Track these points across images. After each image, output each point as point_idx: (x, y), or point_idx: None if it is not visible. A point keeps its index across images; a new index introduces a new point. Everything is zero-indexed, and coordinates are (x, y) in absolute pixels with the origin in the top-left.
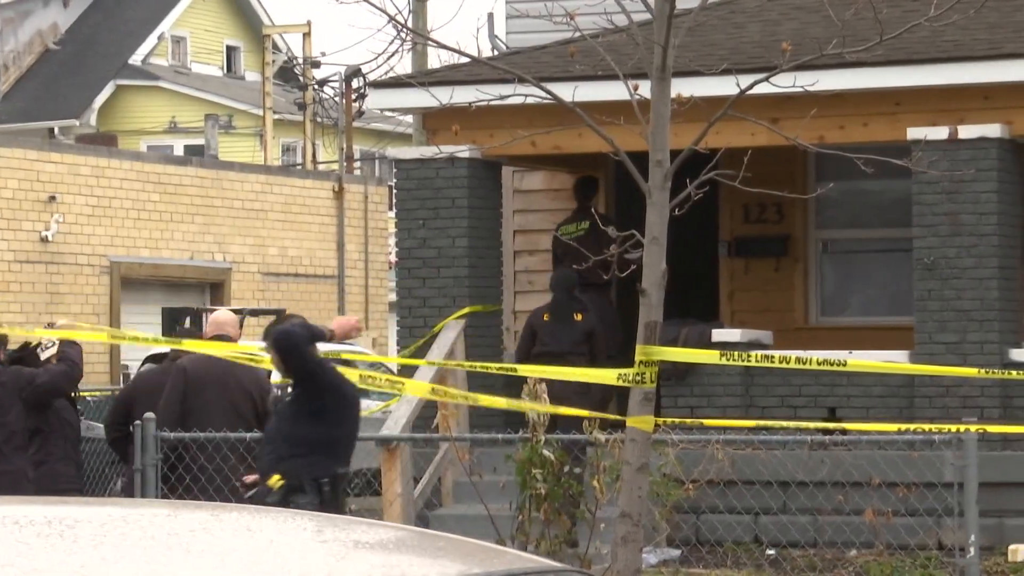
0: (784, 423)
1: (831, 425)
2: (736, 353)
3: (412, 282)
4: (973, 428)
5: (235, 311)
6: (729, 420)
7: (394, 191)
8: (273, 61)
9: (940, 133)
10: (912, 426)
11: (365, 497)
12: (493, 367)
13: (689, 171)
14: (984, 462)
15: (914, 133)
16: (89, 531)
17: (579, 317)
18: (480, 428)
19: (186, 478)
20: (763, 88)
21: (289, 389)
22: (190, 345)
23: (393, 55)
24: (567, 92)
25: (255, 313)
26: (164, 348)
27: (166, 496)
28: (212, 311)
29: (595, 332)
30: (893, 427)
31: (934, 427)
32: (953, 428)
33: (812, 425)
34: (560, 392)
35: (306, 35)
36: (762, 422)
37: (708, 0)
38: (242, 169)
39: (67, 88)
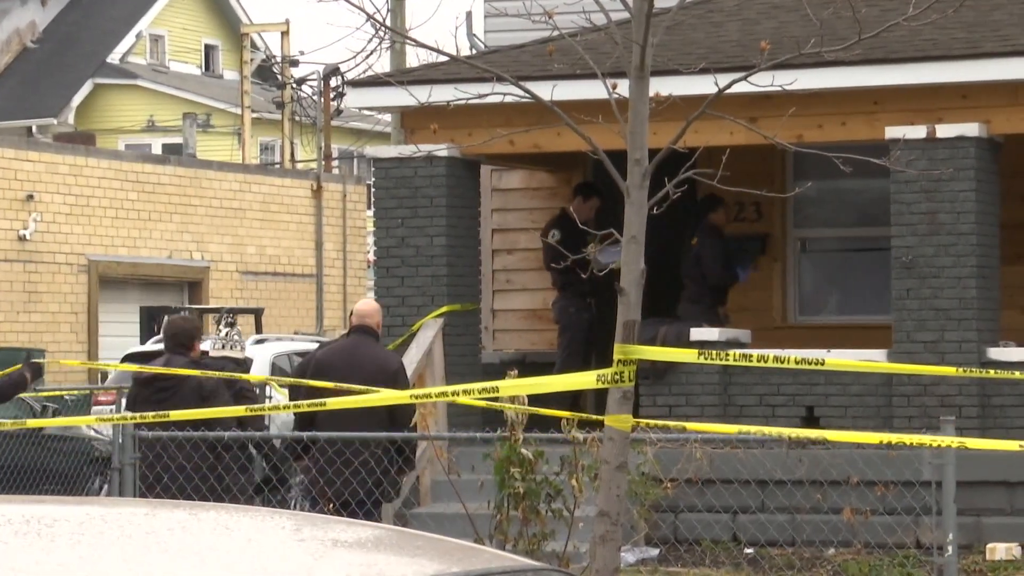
0: (766, 429)
1: (813, 433)
2: (714, 352)
3: (390, 281)
4: (954, 444)
5: (213, 310)
6: (708, 418)
7: (372, 190)
8: (251, 60)
9: (918, 132)
10: (893, 438)
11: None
12: (475, 390)
13: (668, 170)
14: (962, 461)
15: (892, 132)
16: (67, 530)
17: (693, 242)
18: (458, 427)
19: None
20: (741, 87)
21: None
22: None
23: (371, 54)
24: (545, 91)
25: (233, 312)
26: (143, 347)
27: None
28: (190, 310)
29: (702, 257)
30: (875, 438)
31: (914, 440)
32: (933, 443)
33: (794, 432)
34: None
35: (284, 34)
36: (744, 427)
37: None
38: (220, 168)
39: (45, 87)
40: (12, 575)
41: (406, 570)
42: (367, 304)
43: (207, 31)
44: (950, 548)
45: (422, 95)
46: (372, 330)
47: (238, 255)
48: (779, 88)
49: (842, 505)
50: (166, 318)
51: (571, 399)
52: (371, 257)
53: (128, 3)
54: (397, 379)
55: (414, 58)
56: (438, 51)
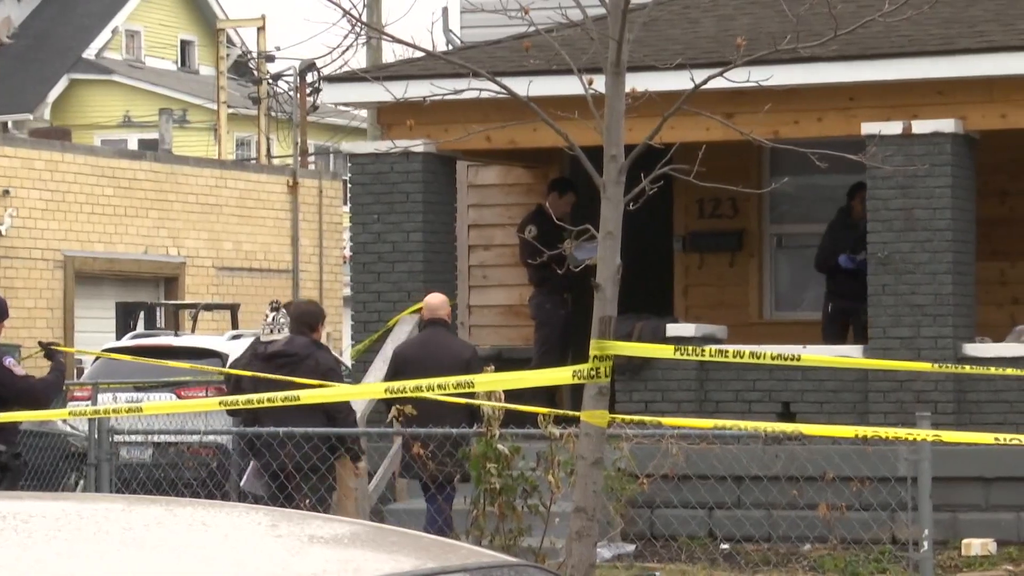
0: (742, 424)
1: (789, 427)
2: (690, 348)
3: (366, 277)
4: (929, 438)
5: (189, 306)
6: (684, 414)
7: (348, 186)
8: (227, 55)
9: (894, 128)
10: (869, 432)
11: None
12: (451, 384)
13: (644, 166)
14: (938, 457)
15: (868, 128)
16: (43, 526)
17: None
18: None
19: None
20: (717, 83)
21: None
22: None
23: (347, 49)
24: (521, 87)
25: (209, 308)
26: (120, 343)
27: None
28: (166, 306)
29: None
30: (851, 432)
31: (890, 433)
32: (908, 436)
33: (770, 427)
34: None
35: (260, 29)
36: (719, 422)
37: None
38: (196, 163)
39: (21, 82)
40: None
41: (382, 566)
42: (435, 297)
43: (183, 27)
44: (926, 544)
45: (398, 91)
46: (444, 321)
47: (214, 251)
48: (755, 84)
49: (818, 501)
50: (293, 302)
51: (547, 395)
52: (347, 253)
53: None
54: (470, 368)
55: (390, 54)
56: (414, 47)
